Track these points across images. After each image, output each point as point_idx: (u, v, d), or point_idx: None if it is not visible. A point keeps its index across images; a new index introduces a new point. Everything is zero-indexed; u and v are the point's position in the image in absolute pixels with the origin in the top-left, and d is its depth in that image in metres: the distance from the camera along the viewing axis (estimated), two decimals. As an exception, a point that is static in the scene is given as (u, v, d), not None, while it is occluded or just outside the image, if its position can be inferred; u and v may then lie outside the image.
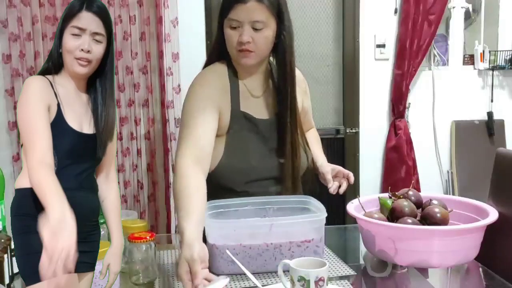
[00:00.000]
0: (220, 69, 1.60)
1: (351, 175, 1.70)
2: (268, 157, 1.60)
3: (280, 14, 1.52)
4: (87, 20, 1.30)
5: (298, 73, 1.70)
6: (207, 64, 1.65)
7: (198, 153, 1.43)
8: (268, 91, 1.64)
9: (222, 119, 1.55)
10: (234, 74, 1.59)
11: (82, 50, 1.30)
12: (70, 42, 1.30)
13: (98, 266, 1.36)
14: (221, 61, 1.61)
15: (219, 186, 1.58)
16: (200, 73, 1.62)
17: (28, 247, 1.25)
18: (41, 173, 1.20)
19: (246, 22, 1.47)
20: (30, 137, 1.24)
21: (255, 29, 1.48)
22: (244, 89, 1.60)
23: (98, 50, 1.32)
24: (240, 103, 1.58)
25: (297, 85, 1.63)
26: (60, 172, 1.29)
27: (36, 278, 1.23)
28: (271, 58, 1.64)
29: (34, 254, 1.24)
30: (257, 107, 1.61)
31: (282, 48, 1.56)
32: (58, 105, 1.30)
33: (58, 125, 1.29)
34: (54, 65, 1.34)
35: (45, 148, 1.24)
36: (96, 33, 1.32)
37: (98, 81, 1.39)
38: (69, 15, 1.31)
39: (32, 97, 1.27)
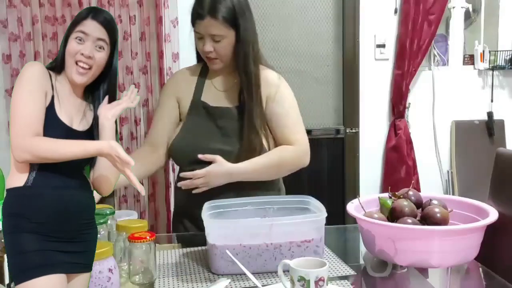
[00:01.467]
0: (193, 68, 1.86)
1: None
2: (220, 142, 1.73)
3: (237, 25, 1.67)
4: (91, 27, 1.33)
5: (271, 76, 1.79)
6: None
7: (151, 139, 1.84)
8: (234, 87, 1.78)
9: (182, 107, 1.82)
10: (205, 71, 1.83)
11: (82, 54, 1.31)
12: (73, 45, 1.32)
13: (98, 266, 1.35)
14: (200, 62, 1.85)
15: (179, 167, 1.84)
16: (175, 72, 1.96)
17: (17, 246, 1.25)
18: (39, 139, 1.23)
19: (206, 35, 1.67)
20: (22, 120, 1.24)
21: (215, 40, 1.67)
22: (210, 84, 1.81)
23: (100, 56, 1.33)
24: (202, 94, 1.80)
25: (263, 87, 1.75)
26: (42, 169, 1.28)
27: (24, 277, 1.24)
28: None
29: (23, 254, 1.24)
30: (219, 98, 1.79)
31: (237, 56, 1.72)
32: (53, 97, 1.31)
33: (49, 116, 1.29)
34: (57, 67, 1.35)
35: (38, 124, 1.24)
36: (99, 39, 1.33)
37: (102, 89, 1.40)
38: (75, 22, 1.35)
39: (30, 80, 1.27)
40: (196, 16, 1.68)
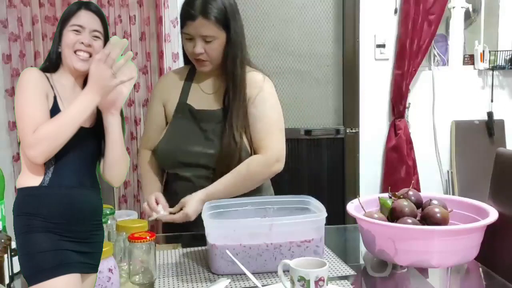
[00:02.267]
0: (180, 70, 1.86)
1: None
2: (202, 145, 1.72)
3: (228, 27, 1.67)
4: (86, 18, 1.33)
5: (255, 78, 1.76)
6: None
7: (150, 146, 1.83)
8: (220, 89, 1.77)
9: (168, 109, 1.81)
10: (192, 74, 1.82)
11: (82, 43, 1.31)
12: (70, 36, 1.32)
13: (99, 266, 1.35)
14: (187, 64, 1.84)
15: (161, 167, 1.85)
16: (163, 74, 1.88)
17: (29, 246, 1.25)
18: (39, 129, 1.22)
19: (197, 36, 1.65)
20: (27, 120, 1.24)
21: (206, 41, 1.66)
22: (196, 86, 1.80)
23: (98, 44, 1.34)
24: (188, 97, 1.79)
25: (247, 88, 1.73)
26: (57, 169, 1.28)
27: (38, 278, 1.23)
28: None
29: (35, 254, 1.24)
30: (204, 101, 1.77)
31: (226, 58, 1.71)
32: (55, 97, 1.30)
33: (54, 116, 1.29)
34: (51, 64, 1.35)
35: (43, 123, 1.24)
36: (95, 30, 1.33)
37: None
38: (68, 16, 1.34)
39: (29, 84, 1.27)
40: (187, 16, 1.65)
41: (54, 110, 1.29)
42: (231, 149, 1.69)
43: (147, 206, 1.70)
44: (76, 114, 1.24)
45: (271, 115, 1.74)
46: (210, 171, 1.72)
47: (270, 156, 1.71)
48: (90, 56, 1.33)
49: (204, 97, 1.78)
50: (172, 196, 1.73)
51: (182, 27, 1.70)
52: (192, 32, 1.66)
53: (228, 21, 1.66)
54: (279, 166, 1.73)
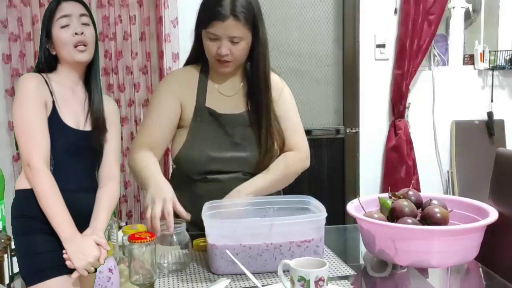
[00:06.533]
0: (191, 70, 1.75)
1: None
2: (231, 150, 1.68)
3: (255, 27, 1.64)
4: (69, 7, 1.33)
5: (275, 80, 1.77)
6: (185, 66, 1.80)
7: (149, 142, 1.64)
8: (241, 91, 1.73)
9: (185, 112, 1.69)
10: (205, 74, 1.73)
11: (76, 34, 1.30)
12: (62, 34, 1.30)
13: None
14: (196, 64, 1.75)
15: (182, 175, 1.72)
16: (170, 72, 1.72)
17: (28, 247, 1.25)
18: (45, 181, 1.23)
19: (224, 37, 1.59)
20: (30, 136, 1.24)
21: (233, 42, 1.60)
22: (213, 88, 1.72)
23: (89, 32, 1.33)
24: (206, 100, 1.70)
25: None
26: (58, 172, 1.28)
27: (36, 279, 1.24)
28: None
29: (34, 255, 1.24)
30: (225, 104, 1.71)
31: (256, 58, 1.68)
32: (53, 102, 1.30)
33: (54, 123, 1.28)
34: (45, 66, 1.34)
35: (46, 148, 1.24)
36: (82, 15, 1.32)
37: (92, 70, 1.39)
38: (51, 13, 1.33)
39: (28, 94, 1.27)
40: (215, 17, 1.57)
41: (53, 118, 1.29)
42: (271, 152, 1.69)
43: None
44: (50, 215, 1.26)
45: (294, 114, 1.79)
46: (248, 176, 1.69)
47: (301, 153, 1.76)
48: (86, 45, 1.33)
49: (224, 99, 1.72)
50: (190, 203, 1.63)
51: (205, 27, 1.61)
52: (220, 33, 1.59)
53: (256, 21, 1.64)
54: (308, 163, 1.78)
